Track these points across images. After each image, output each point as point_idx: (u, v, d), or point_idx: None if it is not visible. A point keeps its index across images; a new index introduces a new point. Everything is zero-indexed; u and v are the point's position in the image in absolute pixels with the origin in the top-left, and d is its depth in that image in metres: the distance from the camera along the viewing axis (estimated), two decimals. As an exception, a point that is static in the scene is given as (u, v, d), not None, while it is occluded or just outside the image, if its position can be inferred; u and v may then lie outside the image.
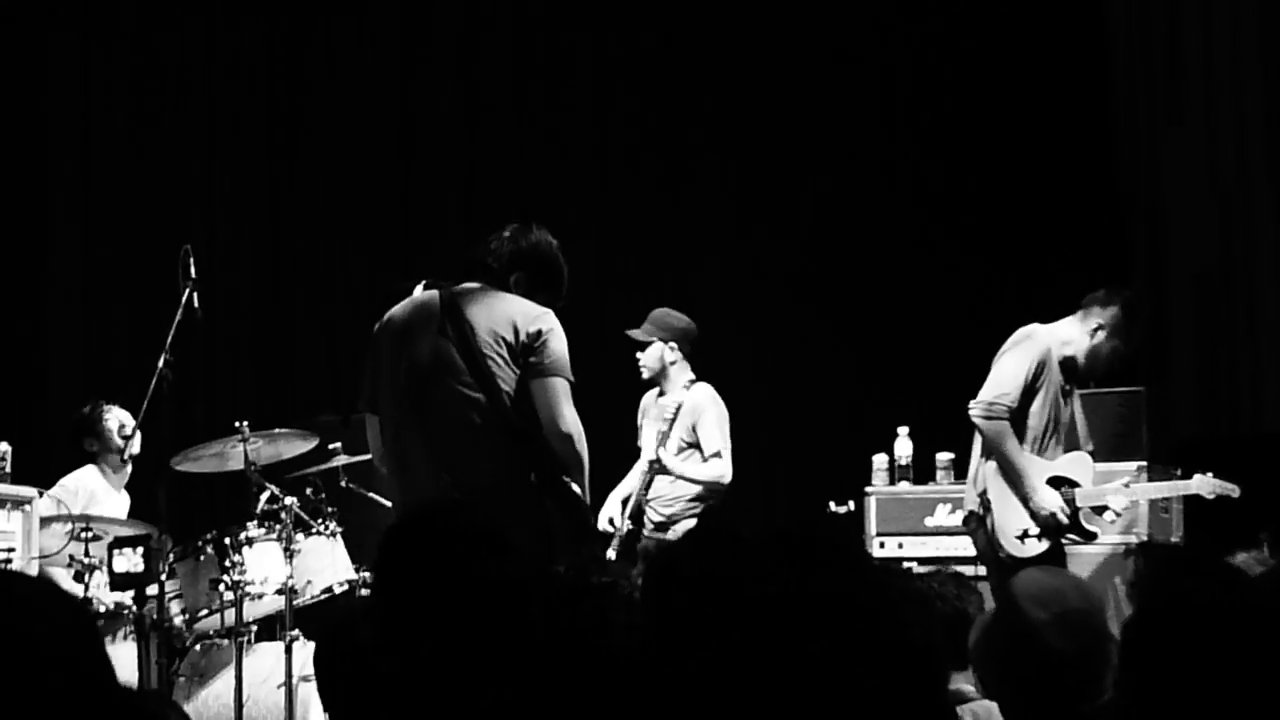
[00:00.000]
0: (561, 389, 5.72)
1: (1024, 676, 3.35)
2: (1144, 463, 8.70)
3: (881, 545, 9.03)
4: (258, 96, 11.08)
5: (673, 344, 8.45)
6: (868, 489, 9.18)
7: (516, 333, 5.69)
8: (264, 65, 11.12)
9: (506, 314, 5.74)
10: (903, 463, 9.20)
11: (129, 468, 8.20)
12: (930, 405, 10.14)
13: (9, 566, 6.64)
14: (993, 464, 7.40)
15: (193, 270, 7.08)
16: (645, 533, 8.23)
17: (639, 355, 8.52)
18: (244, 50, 11.05)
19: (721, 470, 8.34)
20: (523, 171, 11.38)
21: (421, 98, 11.40)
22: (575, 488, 5.79)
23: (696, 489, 8.36)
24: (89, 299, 10.38)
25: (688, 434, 8.38)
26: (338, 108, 11.17)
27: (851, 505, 9.02)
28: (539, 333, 5.70)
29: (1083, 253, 11.03)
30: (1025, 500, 7.36)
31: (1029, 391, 7.44)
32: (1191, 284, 11.29)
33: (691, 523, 8.22)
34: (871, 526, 9.13)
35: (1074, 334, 7.62)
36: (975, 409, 7.39)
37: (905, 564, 8.78)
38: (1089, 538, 7.61)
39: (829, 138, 11.32)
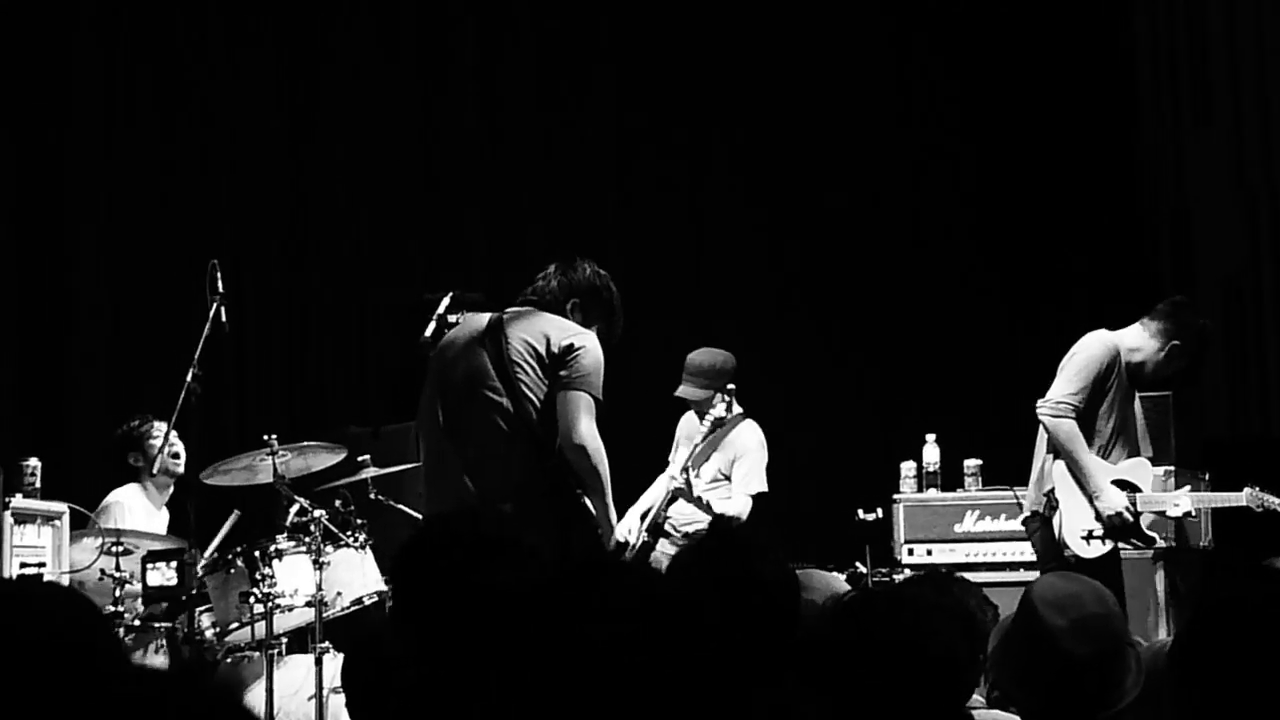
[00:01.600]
0: (584, 403, 5.89)
1: (1042, 682, 3.35)
2: (1171, 467, 8.68)
3: (910, 552, 9.02)
4: (282, 109, 11.11)
5: (726, 389, 8.26)
6: (896, 496, 9.17)
7: (549, 345, 5.92)
8: (287, 78, 11.16)
9: (542, 328, 5.98)
10: (931, 470, 9.19)
11: (172, 486, 8.21)
12: (958, 412, 10.15)
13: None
14: (1060, 463, 7.39)
15: (220, 284, 7.12)
16: (659, 547, 8.06)
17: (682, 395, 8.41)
18: (267, 63, 11.09)
19: (741, 508, 8.23)
20: (544, 183, 11.40)
21: (443, 110, 11.42)
22: (587, 502, 5.92)
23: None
24: (116, 314, 10.42)
25: (726, 467, 8.34)
26: (361, 120, 11.20)
27: (880, 512, 9.00)
28: (571, 346, 5.91)
29: (1109, 257, 11.03)
30: (1091, 499, 7.36)
31: (1097, 393, 7.44)
32: (1219, 286, 11.26)
33: None
34: (900, 534, 9.12)
35: (1143, 341, 7.60)
36: (1044, 407, 7.40)
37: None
38: (1149, 543, 7.63)
39: (855, 147, 11.31)
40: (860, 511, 8.95)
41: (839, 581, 4.23)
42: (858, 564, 8.86)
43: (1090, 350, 7.52)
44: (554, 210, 11.31)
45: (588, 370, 5.93)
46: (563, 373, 5.89)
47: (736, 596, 3.17)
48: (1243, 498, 7.73)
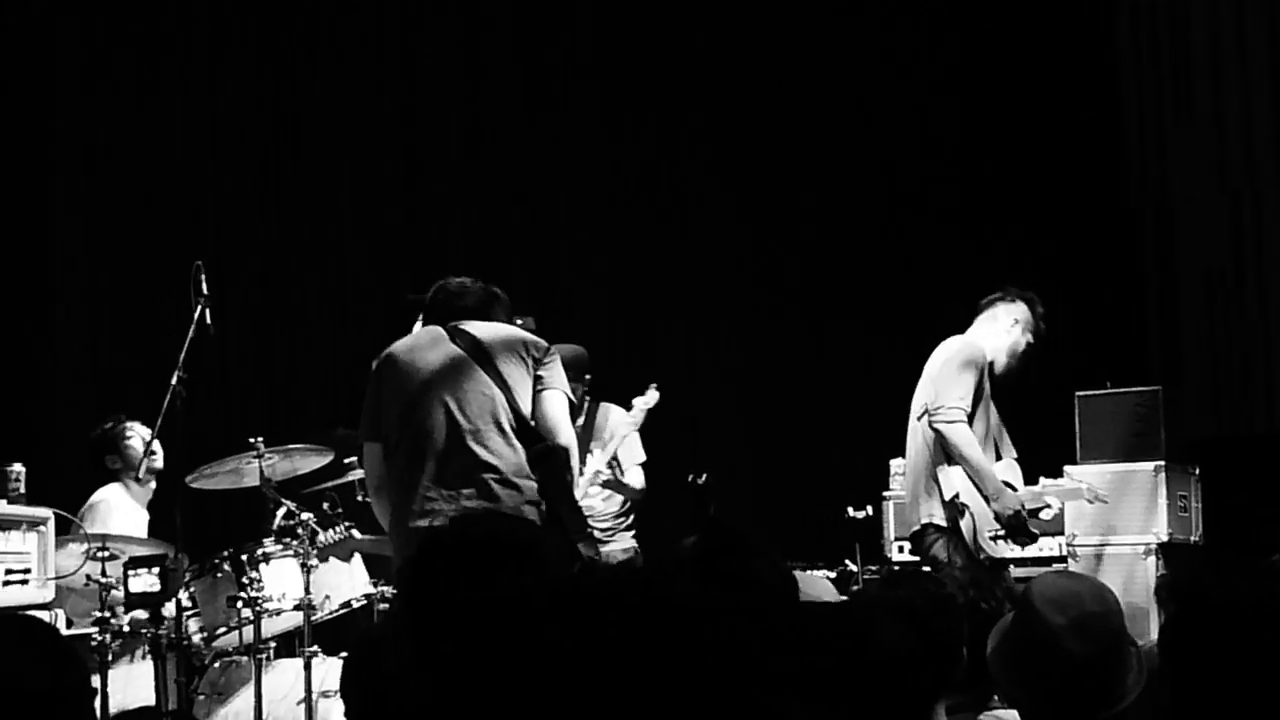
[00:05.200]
0: (562, 403, 6.14)
1: (1042, 681, 3.33)
2: (1161, 462, 8.69)
3: (900, 549, 9.02)
4: (265, 111, 11.08)
5: (584, 380, 8.43)
6: (886, 493, 9.17)
7: (526, 348, 6.13)
8: (270, 79, 11.12)
9: (512, 333, 6.24)
10: (919, 467, 9.17)
11: (153, 484, 8.20)
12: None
13: (26, 587, 6.64)
14: (957, 469, 7.36)
15: (205, 286, 7.08)
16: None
17: None
18: (249, 65, 11.05)
19: (642, 477, 8.64)
20: (527, 183, 11.38)
21: (427, 112, 11.39)
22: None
23: (625, 503, 8.64)
24: (100, 318, 10.38)
25: (608, 453, 8.50)
26: (344, 122, 11.17)
27: (870, 510, 9.00)
28: (546, 349, 6.17)
29: (1093, 254, 11.03)
30: (989, 501, 7.36)
31: (976, 398, 7.46)
32: (1202, 282, 11.27)
33: (627, 536, 8.61)
34: (890, 531, 9.12)
35: (991, 338, 7.67)
36: (939, 415, 7.38)
37: (924, 568, 8.75)
38: (1034, 539, 7.63)
39: (836, 141, 11.31)
40: (850, 509, 8.95)
41: (827, 586, 4.20)
42: (848, 562, 8.87)
43: (967, 353, 7.52)
44: (536, 210, 11.30)
45: (560, 371, 6.18)
46: (542, 374, 6.10)
47: (734, 596, 3.13)
48: (1082, 490, 7.78)
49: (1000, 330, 7.70)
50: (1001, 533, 7.36)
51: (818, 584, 4.13)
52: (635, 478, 8.59)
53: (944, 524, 7.36)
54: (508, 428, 5.99)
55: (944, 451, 7.40)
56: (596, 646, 2.10)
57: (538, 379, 6.09)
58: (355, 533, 7.32)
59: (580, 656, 2.11)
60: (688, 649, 2.10)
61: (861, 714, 2.88)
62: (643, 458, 8.62)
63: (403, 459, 6.06)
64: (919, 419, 7.53)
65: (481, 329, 6.17)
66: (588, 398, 8.55)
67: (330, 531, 7.25)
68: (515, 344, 6.13)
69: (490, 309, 6.33)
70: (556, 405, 6.10)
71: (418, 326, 6.44)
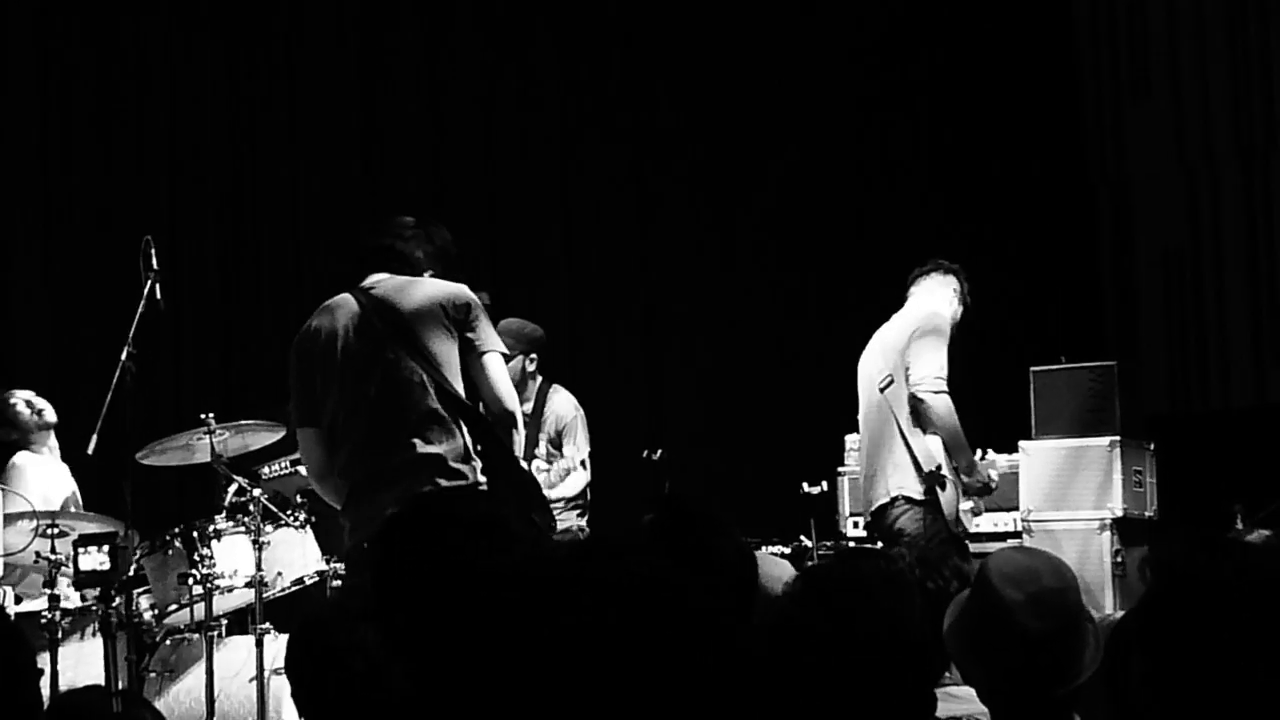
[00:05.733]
0: (499, 365, 5.67)
1: (999, 657, 3.30)
2: (1116, 437, 8.70)
3: (855, 525, 9.02)
4: (220, 82, 10.97)
5: (532, 355, 8.22)
6: (840, 469, 9.16)
7: (445, 310, 5.62)
8: (226, 49, 11.01)
9: (428, 292, 5.68)
10: (875, 442, 9.16)
11: (52, 436, 8.10)
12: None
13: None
14: (936, 439, 7.34)
15: (154, 261, 7.00)
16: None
17: None
18: (207, 36, 10.94)
19: (586, 478, 8.30)
20: (487, 161, 11.33)
21: (387, 84, 11.31)
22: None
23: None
24: (50, 292, 10.28)
25: (554, 439, 8.31)
26: (304, 94, 11.08)
27: (824, 485, 8.98)
28: (467, 307, 5.64)
29: (1050, 228, 11.05)
30: (966, 472, 7.37)
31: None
32: (1160, 258, 11.30)
33: (571, 515, 8.20)
34: (845, 506, 9.12)
35: (948, 308, 7.66)
36: (924, 385, 7.34)
37: (878, 544, 8.76)
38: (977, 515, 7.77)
39: (799, 112, 11.31)
40: (805, 484, 8.93)
41: (785, 566, 4.17)
42: (802, 537, 8.86)
43: (937, 323, 7.51)
44: (498, 189, 11.25)
45: (488, 328, 5.69)
46: (469, 335, 5.61)
47: (694, 573, 3.09)
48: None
49: (943, 301, 7.68)
50: (972, 505, 7.38)
51: (777, 565, 4.09)
52: (577, 482, 8.26)
53: (919, 496, 7.31)
54: (440, 409, 5.53)
55: (916, 421, 7.37)
56: (572, 625, 2.06)
57: (466, 341, 5.60)
58: (303, 470, 7.13)
59: (556, 635, 2.07)
60: (665, 625, 2.07)
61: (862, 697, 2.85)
62: (585, 453, 8.30)
63: (340, 451, 5.68)
64: (882, 390, 7.47)
65: (394, 293, 5.67)
66: (538, 378, 8.27)
67: (275, 466, 7.20)
68: (433, 308, 5.60)
69: (410, 255, 5.82)
70: (493, 369, 5.62)
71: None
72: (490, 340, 5.66)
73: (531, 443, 8.19)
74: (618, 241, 11.31)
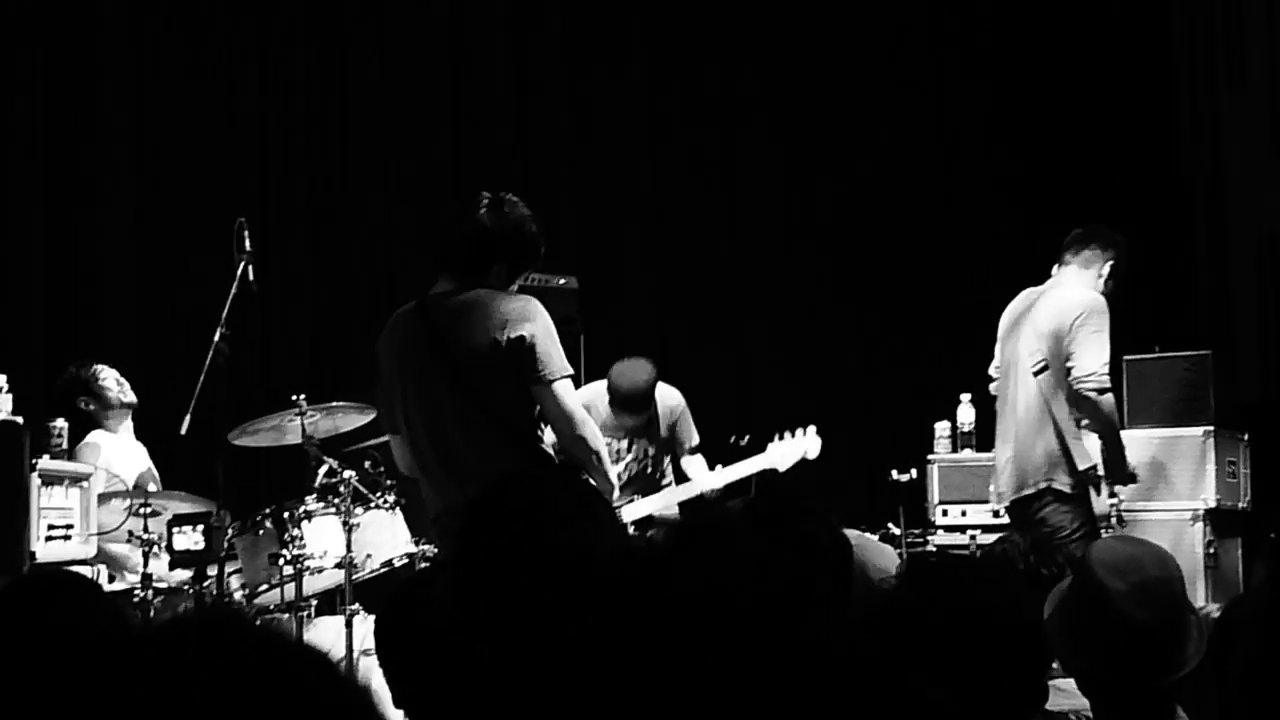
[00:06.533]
0: (564, 390, 5.50)
1: (1101, 648, 3.26)
2: (1210, 427, 8.61)
3: (944, 513, 8.95)
4: (311, 63, 11.01)
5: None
6: (930, 456, 9.10)
7: (508, 334, 5.45)
8: (317, 31, 11.05)
9: (490, 315, 5.50)
10: (965, 429, 9.11)
11: (129, 418, 8.11)
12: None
13: (69, 543, 6.63)
14: (1094, 436, 7.22)
15: (248, 243, 7.05)
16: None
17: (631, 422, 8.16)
18: (294, 17, 10.99)
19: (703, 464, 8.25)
20: (575, 143, 11.33)
21: (474, 78, 11.32)
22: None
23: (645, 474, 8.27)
24: (143, 275, 10.35)
25: (665, 432, 8.25)
26: (395, 81, 11.11)
27: (914, 473, 8.91)
28: (521, 339, 5.44)
29: (1144, 217, 10.93)
30: (1116, 467, 7.27)
31: None
32: (1254, 248, 11.18)
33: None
34: (934, 495, 9.05)
35: (1099, 287, 7.44)
36: (1089, 382, 7.14)
37: (969, 532, 8.70)
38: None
39: (884, 99, 11.25)
40: (894, 472, 8.86)
41: (892, 555, 4.11)
42: (890, 525, 8.80)
43: (1099, 313, 7.27)
44: (586, 182, 11.25)
45: (548, 353, 5.45)
46: (526, 365, 5.42)
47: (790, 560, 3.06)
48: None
49: (1096, 281, 7.42)
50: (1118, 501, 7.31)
51: (884, 553, 4.04)
52: (699, 472, 8.18)
53: (1069, 491, 7.18)
54: (496, 433, 5.47)
55: (1074, 416, 7.22)
56: (673, 610, 2.05)
57: (525, 371, 5.43)
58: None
59: (654, 618, 2.06)
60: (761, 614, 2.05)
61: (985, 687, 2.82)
62: (696, 438, 8.30)
63: (416, 462, 5.71)
64: (1035, 374, 7.32)
65: (454, 311, 5.54)
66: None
67: (379, 495, 7.23)
68: (496, 332, 5.44)
69: (479, 257, 5.61)
70: (555, 399, 5.43)
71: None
72: (551, 366, 5.45)
73: (664, 449, 8.17)
74: (704, 230, 11.28)
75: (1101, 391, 7.15)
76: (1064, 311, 7.30)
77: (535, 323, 5.47)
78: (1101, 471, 7.24)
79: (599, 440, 5.63)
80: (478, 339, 5.47)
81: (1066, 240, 7.56)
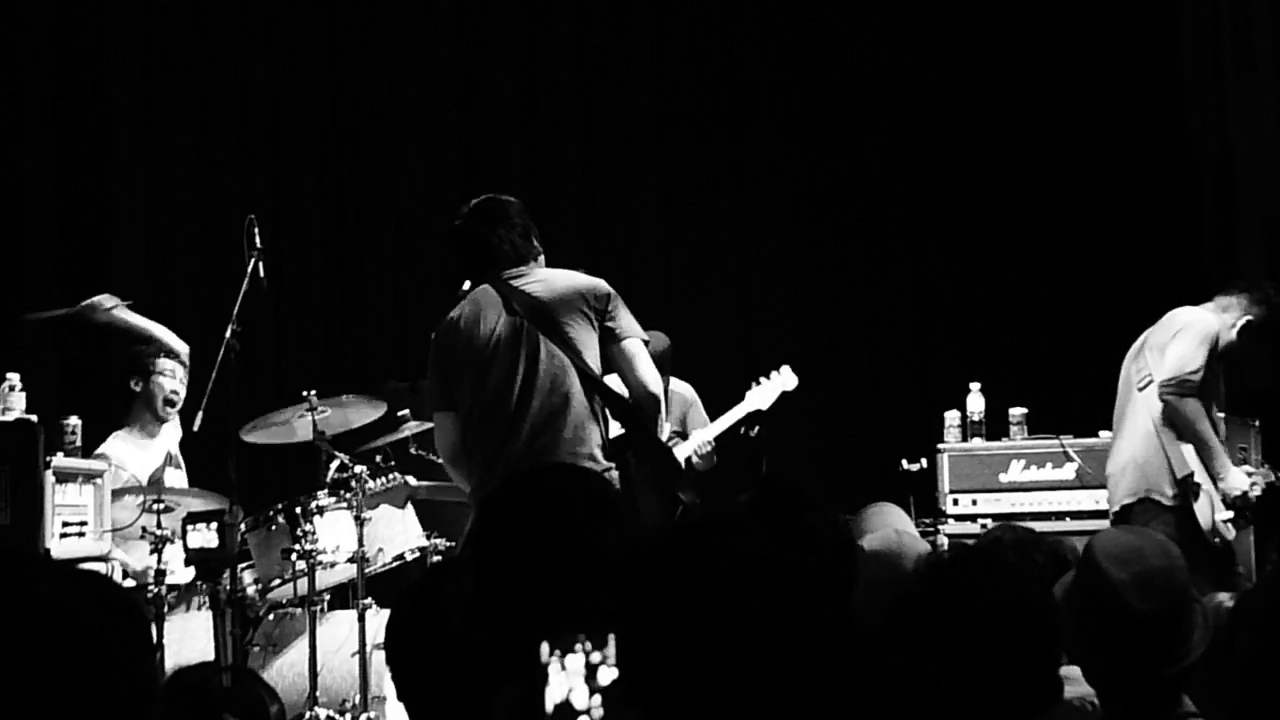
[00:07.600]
0: (641, 350, 5.79)
1: (1106, 638, 3.27)
2: (1221, 414, 8.59)
3: (955, 502, 8.95)
4: (321, 59, 11.03)
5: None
6: (940, 445, 9.09)
7: (587, 300, 5.77)
8: (327, 27, 11.07)
9: (570, 285, 5.84)
10: (975, 418, 9.10)
11: (159, 429, 7.97)
12: (1002, 360, 10.06)
13: (83, 539, 6.65)
14: (1190, 446, 7.20)
15: (258, 240, 7.08)
16: None
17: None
18: (308, 18, 11.01)
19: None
20: (585, 137, 11.33)
21: (484, 63, 11.33)
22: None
23: None
24: (154, 270, 10.38)
25: (677, 424, 8.31)
26: (406, 76, 11.13)
27: (924, 462, 8.91)
28: (607, 297, 5.79)
29: (1153, 202, 10.93)
30: (1215, 479, 7.18)
31: (1208, 372, 7.27)
32: (1263, 232, 11.16)
33: None
34: (945, 484, 9.04)
35: (1223, 323, 7.42)
36: (1168, 387, 7.15)
37: (979, 521, 8.69)
38: (1250, 523, 7.44)
39: (892, 88, 11.23)
40: (904, 461, 8.87)
41: (925, 546, 4.10)
42: (902, 515, 8.80)
43: (1206, 325, 7.27)
44: (594, 179, 11.25)
45: (629, 317, 5.84)
46: (609, 324, 5.78)
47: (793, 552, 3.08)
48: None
49: (1229, 322, 7.42)
50: (1230, 515, 7.20)
51: (918, 544, 4.04)
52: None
53: (1168, 501, 7.18)
54: (583, 396, 5.68)
55: (1173, 426, 7.21)
56: (681, 602, 2.06)
57: (607, 330, 5.76)
58: (411, 480, 7.28)
59: (664, 612, 2.07)
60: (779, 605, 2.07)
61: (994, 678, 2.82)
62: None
63: (482, 437, 5.79)
64: (1140, 389, 7.33)
65: (538, 285, 5.81)
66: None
67: (381, 479, 7.24)
68: (575, 298, 5.76)
69: (528, 249, 5.95)
70: (636, 354, 5.76)
71: (466, 285, 6.09)
72: (631, 327, 5.80)
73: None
74: (713, 218, 11.28)
75: (1182, 395, 7.14)
76: (1171, 327, 7.36)
77: (611, 291, 5.84)
78: (1200, 480, 7.18)
79: (663, 402, 5.87)
80: (565, 295, 5.78)
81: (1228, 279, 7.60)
